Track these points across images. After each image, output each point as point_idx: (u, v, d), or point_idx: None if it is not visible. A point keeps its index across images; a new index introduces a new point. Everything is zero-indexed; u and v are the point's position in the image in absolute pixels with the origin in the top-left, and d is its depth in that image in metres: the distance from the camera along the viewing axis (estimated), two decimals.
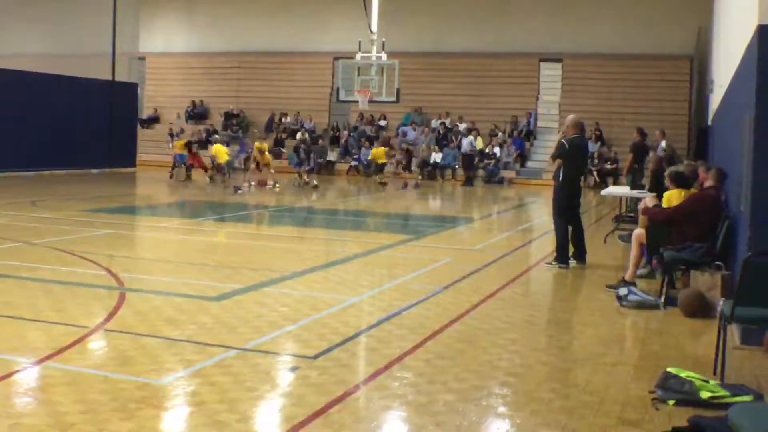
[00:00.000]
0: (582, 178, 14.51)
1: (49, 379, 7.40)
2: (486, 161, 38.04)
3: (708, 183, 11.93)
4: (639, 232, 12.36)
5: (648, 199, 14.24)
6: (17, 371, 7.56)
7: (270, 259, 15.01)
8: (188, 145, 31.78)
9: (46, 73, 34.03)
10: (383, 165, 34.65)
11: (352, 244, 17.16)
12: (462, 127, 39.70)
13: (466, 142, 37.69)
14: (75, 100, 33.44)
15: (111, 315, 9.72)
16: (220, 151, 30.76)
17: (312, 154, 32.22)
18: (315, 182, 30.20)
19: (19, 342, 8.50)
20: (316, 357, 8.10)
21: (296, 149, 32.53)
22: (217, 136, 41.01)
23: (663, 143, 24.77)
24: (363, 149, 40.15)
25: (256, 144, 29.12)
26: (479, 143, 38.47)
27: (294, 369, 7.80)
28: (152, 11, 44.96)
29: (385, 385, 7.35)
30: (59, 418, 6.28)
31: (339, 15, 41.84)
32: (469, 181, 36.11)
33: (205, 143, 38.94)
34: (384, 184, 32.54)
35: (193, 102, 45.47)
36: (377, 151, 35.54)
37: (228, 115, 44.09)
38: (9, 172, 29.76)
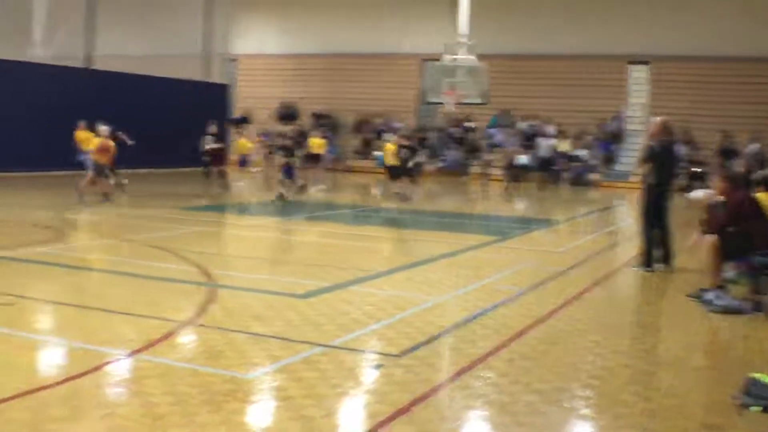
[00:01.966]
0: (671, 182, 14.24)
1: (140, 371, 7.53)
2: (573, 164, 37.69)
3: None
4: (711, 238, 11.79)
5: (705, 194, 13.91)
6: (110, 362, 7.71)
7: (357, 258, 15.07)
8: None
9: (142, 75, 34.69)
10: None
11: (437, 245, 17.12)
12: (549, 129, 39.40)
13: (544, 146, 37.40)
14: (169, 101, 33.94)
15: (201, 310, 9.87)
16: (317, 144, 30.76)
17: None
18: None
19: (112, 334, 8.67)
20: (400, 355, 8.10)
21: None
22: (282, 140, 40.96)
23: (754, 146, 24.28)
24: (450, 151, 40.13)
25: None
26: (566, 146, 38.14)
27: (378, 366, 7.82)
28: (245, 14, 45.47)
29: (469, 384, 7.33)
30: (150, 409, 6.39)
31: (427, 17, 41.87)
32: (548, 185, 35.64)
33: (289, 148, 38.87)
34: None
35: (284, 103, 45.76)
36: None
37: (317, 116, 44.28)
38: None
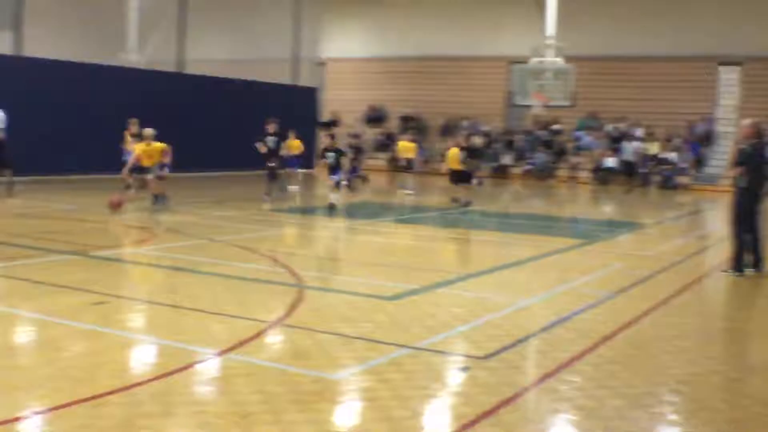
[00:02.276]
0: (763, 185, 13.96)
1: (230, 369, 7.62)
2: (661, 166, 37.16)
3: None
4: None
5: None
6: (201, 361, 7.84)
7: (444, 261, 15.08)
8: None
9: (232, 78, 35.14)
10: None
11: (524, 247, 17.05)
12: (637, 132, 38.93)
13: (630, 148, 36.93)
14: (259, 104, 34.27)
15: (289, 311, 9.95)
16: (406, 148, 30.45)
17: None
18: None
19: (202, 334, 8.81)
20: (486, 358, 8.08)
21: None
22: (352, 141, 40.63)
23: None
24: (537, 153, 39.87)
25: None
26: (654, 148, 37.64)
27: (464, 369, 7.81)
28: (333, 18, 45.76)
29: (555, 388, 7.28)
30: (239, 407, 6.47)
31: (514, 19, 41.68)
32: (635, 188, 35.18)
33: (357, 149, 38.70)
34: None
35: (371, 106, 45.91)
36: None
37: (405, 119, 44.32)
38: (196, 173, 30.76)
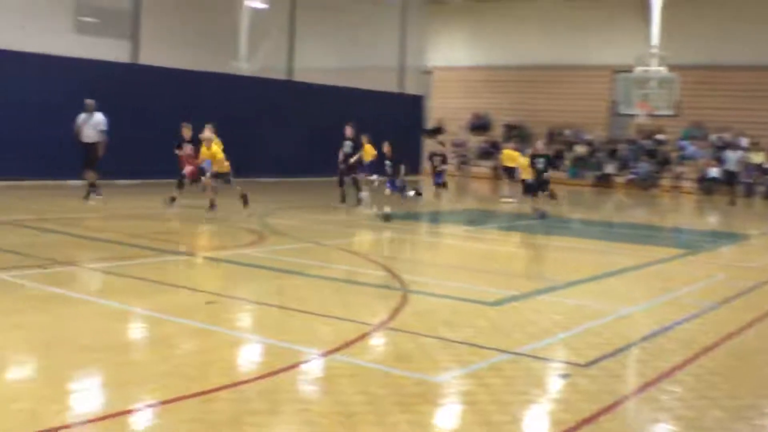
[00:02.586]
0: None
1: (334, 370, 7.72)
2: (766, 177, 36.30)
3: None
4: None
5: None
6: (306, 361, 7.96)
7: (545, 268, 15.03)
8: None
9: (340, 86, 35.48)
10: None
11: (626, 256, 16.85)
12: (741, 141, 38.11)
13: (733, 158, 36.16)
14: (366, 112, 34.41)
15: (393, 314, 10.02)
16: (510, 156, 30.06)
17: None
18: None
19: (308, 334, 8.94)
20: (586, 365, 8.04)
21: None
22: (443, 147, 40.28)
23: None
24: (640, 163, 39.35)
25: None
26: (759, 158, 36.80)
27: (565, 376, 7.78)
28: (439, 27, 45.81)
29: (655, 397, 7.21)
30: (343, 407, 6.55)
31: (618, 29, 41.15)
32: (740, 198, 34.30)
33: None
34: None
35: (476, 114, 45.80)
36: None
37: (508, 127, 44.16)
38: (301, 178, 31.13)
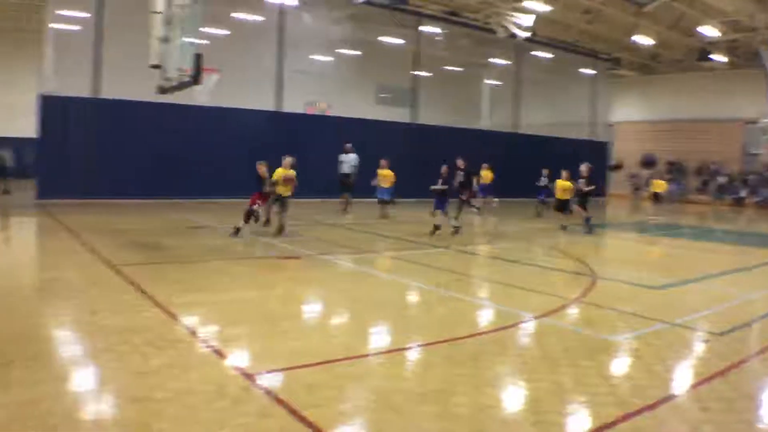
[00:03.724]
0: None
1: (542, 328, 7.95)
2: None
3: None
4: None
5: None
6: (523, 321, 8.27)
7: (696, 264, 14.59)
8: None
9: (549, 136, 36.93)
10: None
11: (754, 257, 15.84)
12: None
13: None
14: (567, 154, 32.04)
15: (584, 293, 10.13)
16: (658, 184, 28.91)
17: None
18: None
19: (524, 304, 9.22)
20: (721, 334, 7.93)
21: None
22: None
23: None
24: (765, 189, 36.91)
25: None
26: None
27: (705, 341, 7.70)
28: (618, 93, 45.24)
29: None
30: (548, 353, 6.86)
31: (748, 92, 38.45)
32: None
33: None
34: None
35: (645, 153, 44.57)
36: None
37: (670, 163, 42.86)
38: (522, 198, 31.00)
